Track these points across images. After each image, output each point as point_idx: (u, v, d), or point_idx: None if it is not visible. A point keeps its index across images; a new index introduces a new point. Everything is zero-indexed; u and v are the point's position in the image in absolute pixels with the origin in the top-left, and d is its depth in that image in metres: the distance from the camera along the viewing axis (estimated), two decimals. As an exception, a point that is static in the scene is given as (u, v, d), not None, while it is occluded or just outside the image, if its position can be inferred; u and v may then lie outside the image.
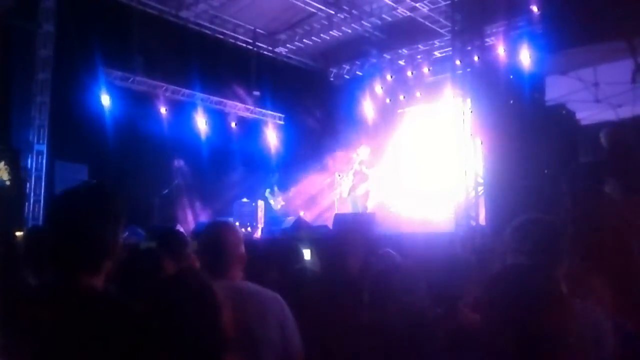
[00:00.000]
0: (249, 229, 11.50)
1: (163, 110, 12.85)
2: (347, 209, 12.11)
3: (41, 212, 10.16)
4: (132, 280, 2.55)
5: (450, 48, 10.34)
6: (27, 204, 10.13)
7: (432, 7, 12.13)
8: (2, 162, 9.40)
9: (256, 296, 2.52)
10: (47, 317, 1.67)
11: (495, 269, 2.02)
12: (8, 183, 9.40)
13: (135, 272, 2.67)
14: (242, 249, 2.65)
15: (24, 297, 1.82)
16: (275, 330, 2.46)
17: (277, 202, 12.83)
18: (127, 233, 8.19)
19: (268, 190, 12.91)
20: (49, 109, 10.44)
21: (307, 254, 3.89)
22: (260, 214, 12.10)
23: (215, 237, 2.66)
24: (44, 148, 10.44)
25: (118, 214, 1.88)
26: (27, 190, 10.17)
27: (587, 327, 1.81)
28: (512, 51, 11.24)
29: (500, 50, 11.74)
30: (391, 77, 14.88)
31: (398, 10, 12.37)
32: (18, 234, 5.82)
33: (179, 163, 12.49)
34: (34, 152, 10.36)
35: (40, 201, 10.26)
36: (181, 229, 9.45)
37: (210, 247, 2.65)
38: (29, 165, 10.24)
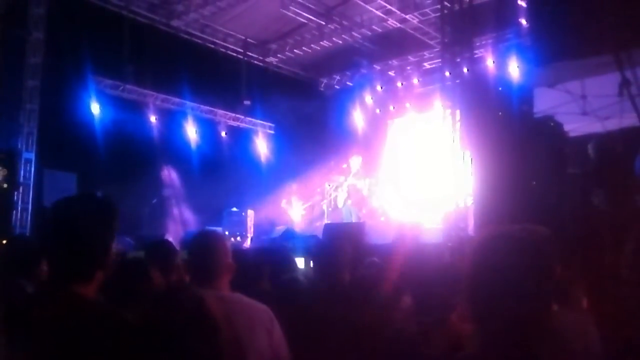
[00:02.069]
0: (238, 238, 11.47)
1: (153, 118, 12.83)
2: (340, 219, 12.10)
3: (29, 220, 10.07)
4: (119, 289, 2.54)
5: (439, 59, 10.42)
6: (14, 212, 10.04)
7: (421, 18, 12.23)
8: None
9: (244, 307, 2.51)
10: (40, 324, 1.67)
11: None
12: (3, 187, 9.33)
13: (122, 282, 2.66)
14: (230, 258, 2.65)
15: (18, 303, 1.82)
16: (263, 341, 2.45)
17: (298, 213, 12.81)
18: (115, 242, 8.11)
19: (284, 201, 12.90)
20: (38, 117, 10.38)
21: (299, 263, 3.90)
22: (250, 223, 12.07)
23: (202, 247, 2.65)
24: (33, 156, 10.37)
25: (112, 225, 1.89)
26: (15, 198, 10.09)
27: (577, 337, 1.83)
28: (501, 63, 11.35)
29: (489, 62, 11.85)
30: (381, 87, 14.96)
31: (388, 22, 12.46)
32: (4, 242, 5.77)
33: (168, 172, 12.45)
34: (22, 160, 10.29)
35: (28, 209, 10.18)
36: (170, 239, 9.43)
37: (197, 256, 2.65)
38: (17, 173, 10.15)
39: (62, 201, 1.91)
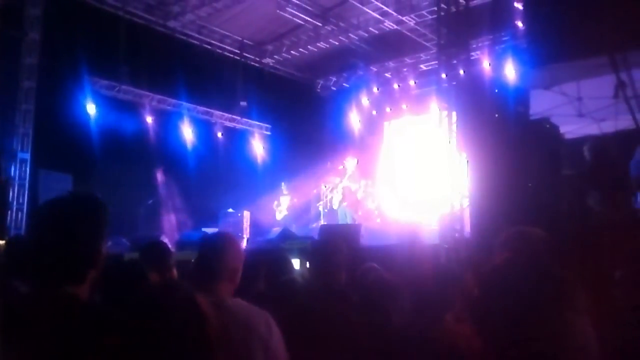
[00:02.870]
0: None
1: (149, 119, 12.81)
2: (335, 220, 12.11)
3: (24, 221, 10.04)
4: (116, 291, 2.53)
5: (436, 61, 10.43)
6: (9, 212, 10.02)
7: (418, 20, 12.24)
8: None
9: (241, 314, 2.46)
10: (34, 326, 1.67)
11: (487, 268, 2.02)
12: None
13: (119, 283, 2.65)
14: (239, 265, 2.59)
15: (11, 305, 1.81)
16: (260, 349, 2.42)
17: (281, 212, 12.88)
18: (110, 243, 8.10)
19: (276, 203, 12.96)
20: (33, 117, 10.35)
21: (295, 263, 3.89)
22: (246, 224, 12.06)
23: (212, 250, 2.59)
24: (28, 156, 10.34)
25: (103, 224, 1.88)
26: (10, 199, 10.06)
27: (574, 336, 1.83)
28: (497, 65, 11.37)
29: (486, 64, 11.86)
30: (377, 89, 14.97)
31: (385, 24, 12.47)
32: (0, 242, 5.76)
33: (164, 173, 12.43)
34: (18, 160, 10.26)
35: (23, 210, 10.15)
36: (166, 240, 9.40)
37: (205, 259, 2.59)
38: (12, 174, 10.13)
39: (45, 203, 1.90)
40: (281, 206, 13.00)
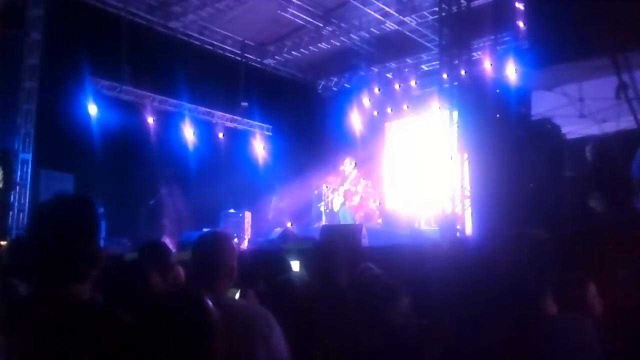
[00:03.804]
0: (235, 240, 11.45)
1: (150, 120, 12.82)
2: (336, 221, 12.10)
3: (25, 221, 10.05)
4: (117, 291, 2.53)
5: (437, 62, 10.43)
6: (11, 212, 10.02)
7: (419, 21, 12.24)
8: None
9: (242, 312, 2.47)
10: (37, 326, 1.67)
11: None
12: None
13: (120, 283, 2.65)
14: (234, 261, 2.61)
15: (12, 306, 1.82)
16: (261, 347, 2.43)
17: (270, 213, 12.95)
18: (109, 243, 8.07)
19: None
20: (35, 118, 10.36)
21: (295, 265, 3.89)
22: (247, 225, 12.06)
23: (207, 247, 2.61)
24: (30, 157, 10.35)
25: (96, 222, 1.91)
26: (12, 199, 10.07)
27: (575, 337, 1.83)
28: (499, 66, 11.35)
29: (487, 65, 11.85)
30: (379, 89, 14.95)
31: (386, 24, 12.47)
32: (2, 243, 5.76)
33: (165, 173, 12.43)
34: (19, 160, 10.27)
35: (24, 210, 10.16)
36: (167, 240, 9.40)
37: (202, 258, 2.60)
38: (13, 174, 10.14)
39: (44, 203, 1.93)
40: (273, 207, 13.06)
